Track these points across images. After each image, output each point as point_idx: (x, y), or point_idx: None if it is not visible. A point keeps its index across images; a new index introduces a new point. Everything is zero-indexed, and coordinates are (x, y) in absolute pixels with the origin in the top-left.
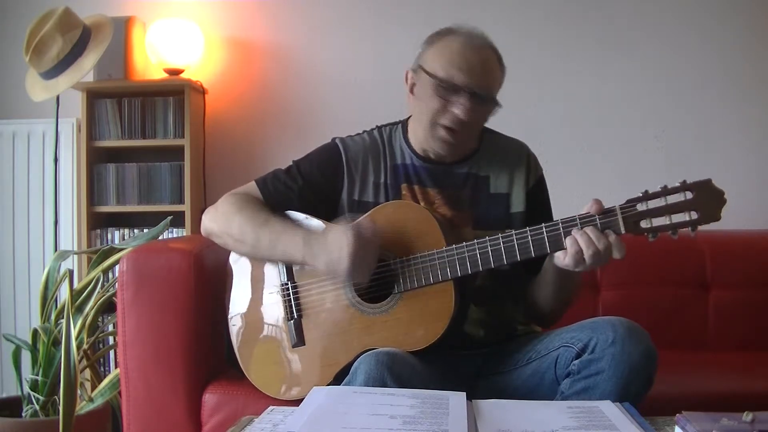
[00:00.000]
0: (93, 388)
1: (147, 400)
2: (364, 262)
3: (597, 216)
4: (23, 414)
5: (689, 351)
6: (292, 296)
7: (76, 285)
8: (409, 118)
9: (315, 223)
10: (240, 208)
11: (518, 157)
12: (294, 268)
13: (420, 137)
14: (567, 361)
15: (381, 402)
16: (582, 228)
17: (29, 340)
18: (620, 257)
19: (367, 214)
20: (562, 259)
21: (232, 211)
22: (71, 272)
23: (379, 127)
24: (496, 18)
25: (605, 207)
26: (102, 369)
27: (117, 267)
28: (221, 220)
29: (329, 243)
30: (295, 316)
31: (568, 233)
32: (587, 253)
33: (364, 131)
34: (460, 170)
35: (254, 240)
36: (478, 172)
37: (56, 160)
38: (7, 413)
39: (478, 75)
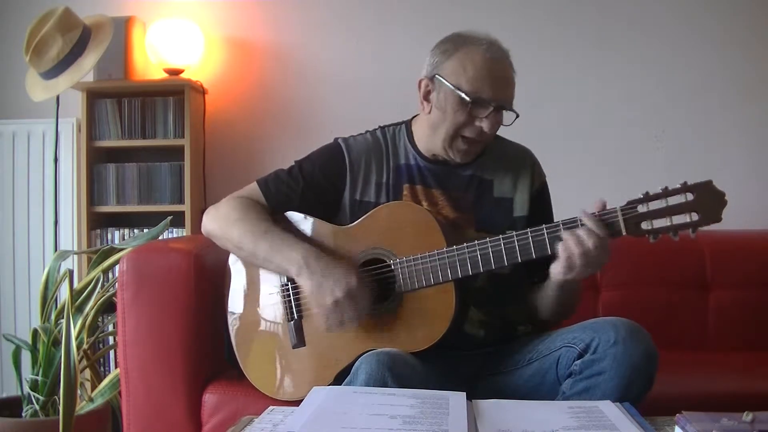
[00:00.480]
0: (93, 388)
1: (147, 400)
2: (348, 313)
3: (598, 216)
4: (23, 414)
5: (689, 351)
6: (292, 297)
7: (76, 285)
8: (412, 118)
9: (315, 224)
10: (241, 215)
11: (523, 162)
12: None
13: (434, 144)
14: (569, 361)
15: (381, 402)
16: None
17: (29, 340)
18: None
19: (368, 214)
20: (557, 267)
21: (234, 217)
22: (71, 272)
23: (382, 127)
24: (495, 18)
25: (606, 209)
26: (102, 369)
27: (117, 267)
28: (222, 224)
29: (332, 272)
30: (296, 317)
31: None
32: (576, 253)
33: (367, 131)
34: (465, 172)
35: (252, 248)
36: (482, 175)
37: (56, 160)
38: (7, 413)
39: (502, 88)
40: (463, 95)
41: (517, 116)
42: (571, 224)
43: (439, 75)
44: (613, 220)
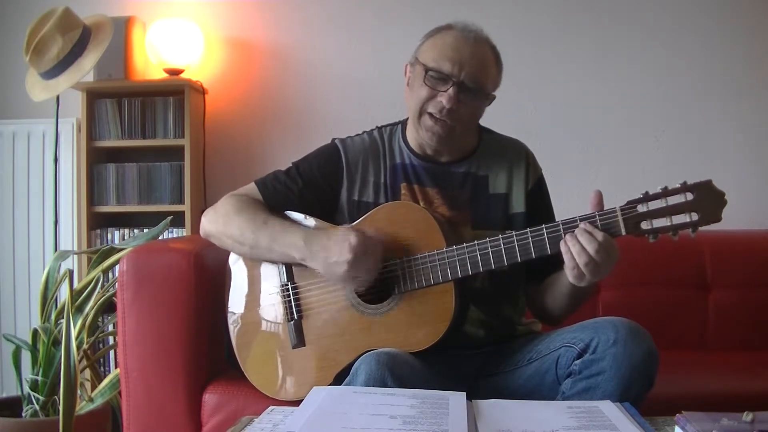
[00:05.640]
0: (93, 388)
1: (147, 400)
2: (363, 270)
3: (597, 216)
4: (23, 414)
5: (689, 351)
6: (292, 297)
7: (76, 285)
8: (408, 118)
9: (314, 223)
10: (239, 210)
11: (517, 156)
12: (294, 269)
13: (412, 130)
14: (568, 361)
15: (381, 402)
16: (575, 233)
17: (29, 340)
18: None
19: (367, 214)
20: (569, 278)
21: (232, 213)
22: (71, 272)
23: (379, 128)
24: (495, 18)
25: (606, 208)
26: (102, 369)
27: (117, 267)
28: (220, 222)
29: (331, 244)
30: (296, 317)
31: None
32: (580, 261)
33: (365, 132)
34: (459, 170)
35: (253, 240)
36: (477, 172)
37: (56, 160)
38: (7, 413)
39: (467, 66)
40: (426, 70)
41: (489, 100)
42: (571, 224)
43: (417, 57)
44: (613, 220)
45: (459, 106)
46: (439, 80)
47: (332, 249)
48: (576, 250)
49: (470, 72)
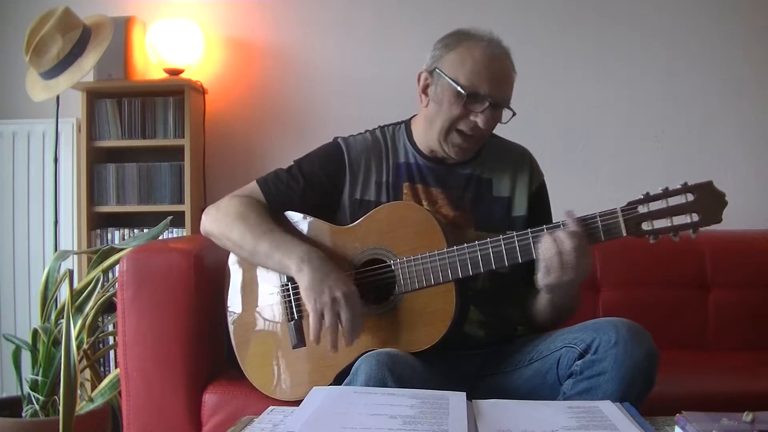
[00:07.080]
0: (93, 388)
1: (147, 400)
2: (329, 318)
3: (598, 217)
4: (23, 414)
5: (689, 351)
6: (292, 297)
7: (76, 285)
8: (412, 117)
9: (314, 223)
10: (242, 215)
11: (521, 161)
12: None
13: (430, 139)
14: (569, 361)
15: (381, 402)
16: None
17: (29, 340)
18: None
19: (368, 213)
20: (538, 272)
21: (234, 217)
22: (71, 272)
23: (381, 127)
24: (495, 19)
25: (606, 209)
26: (102, 369)
27: (117, 267)
28: (222, 224)
29: (327, 275)
30: (296, 317)
31: None
32: (552, 253)
33: (367, 131)
34: (463, 171)
35: (253, 247)
36: (481, 174)
37: (56, 160)
38: (7, 413)
39: (500, 85)
40: (459, 88)
41: (514, 114)
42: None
43: (439, 68)
44: (614, 220)
45: (491, 124)
46: (473, 100)
47: (331, 277)
48: (550, 241)
49: (502, 90)
